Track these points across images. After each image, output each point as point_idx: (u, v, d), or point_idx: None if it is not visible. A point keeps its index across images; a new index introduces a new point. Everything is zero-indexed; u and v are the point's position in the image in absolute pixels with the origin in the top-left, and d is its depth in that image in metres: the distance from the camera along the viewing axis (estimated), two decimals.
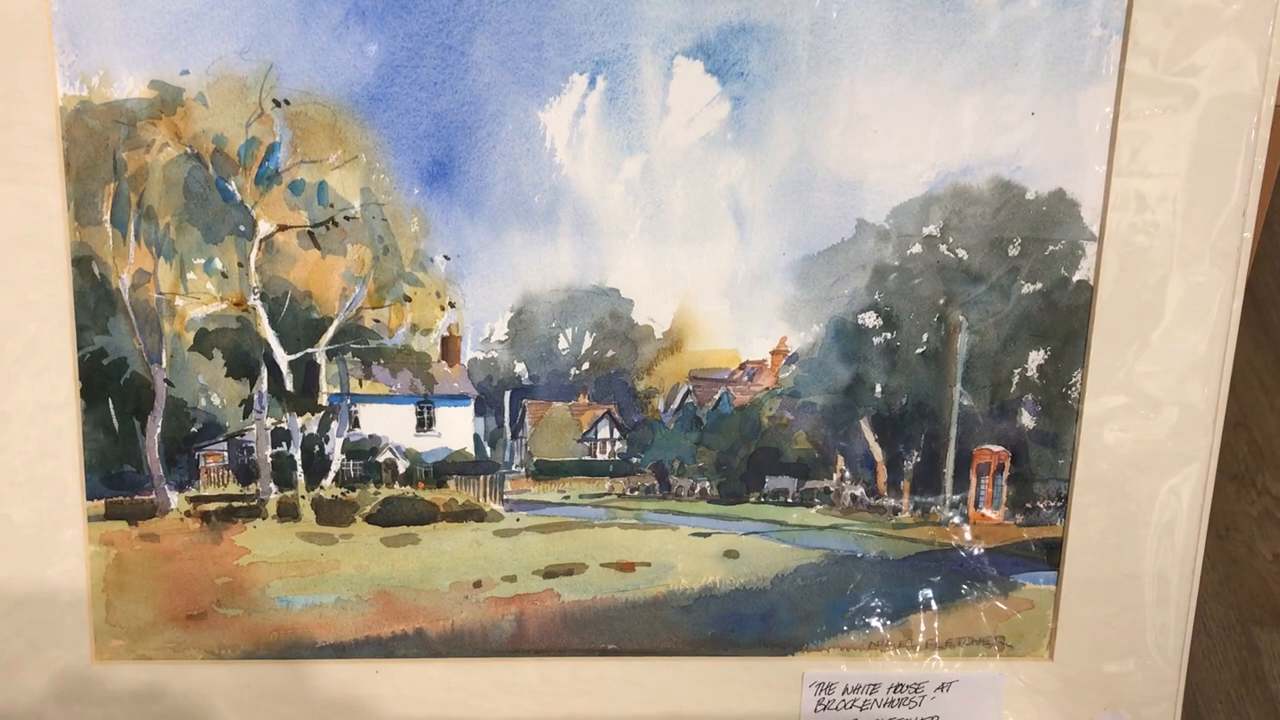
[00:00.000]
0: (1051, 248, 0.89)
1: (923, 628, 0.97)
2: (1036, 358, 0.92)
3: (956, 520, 0.96)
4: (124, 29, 0.81)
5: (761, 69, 0.84)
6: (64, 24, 0.80)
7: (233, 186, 0.85)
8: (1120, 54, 0.84)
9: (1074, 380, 0.92)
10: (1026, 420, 0.93)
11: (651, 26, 0.83)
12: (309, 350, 0.89)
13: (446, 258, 0.87)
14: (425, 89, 0.83)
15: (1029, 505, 0.95)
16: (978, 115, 0.86)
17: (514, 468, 0.93)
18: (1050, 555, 0.95)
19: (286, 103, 0.83)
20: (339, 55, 0.82)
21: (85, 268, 0.85)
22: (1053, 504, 0.95)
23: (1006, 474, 0.94)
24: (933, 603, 0.97)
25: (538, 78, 0.84)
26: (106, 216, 0.84)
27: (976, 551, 0.96)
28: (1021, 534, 0.96)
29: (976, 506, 0.95)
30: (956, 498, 0.95)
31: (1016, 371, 0.92)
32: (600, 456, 0.94)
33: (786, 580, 0.95)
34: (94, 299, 0.86)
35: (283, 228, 0.86)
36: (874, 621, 0.97)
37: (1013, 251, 0.89)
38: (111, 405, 0.88)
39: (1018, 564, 0.96)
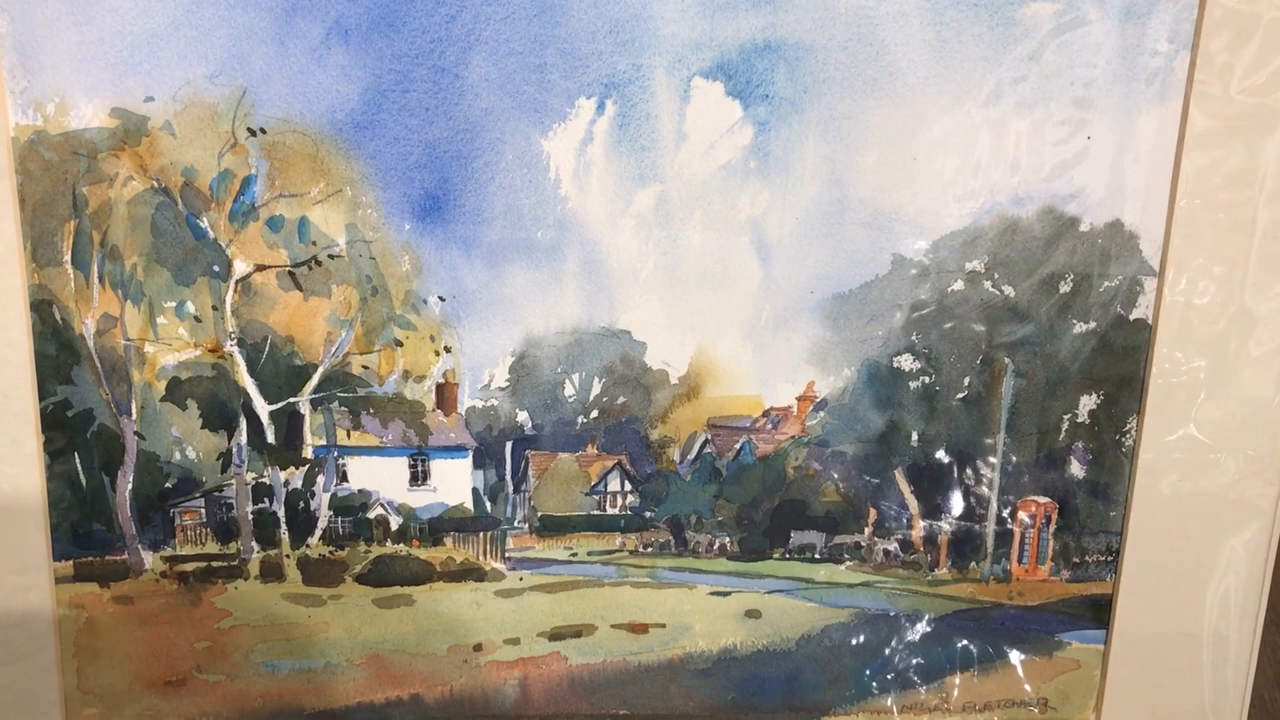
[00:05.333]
0: (1107, 283, 0.81)
1: (960, 690, 0.90)
2: (1088, 402, 0.84)
3: (998, 576, 0.88)
4: (81, 52, 0.73)
5: (789, 91, 0.76)
6: (14, 46, 0.73)
7: (205, 223, 0.78)
8: (1188, 72, 0.76)
9: (1129, 427, 0.84)
10: (1076, 469, 0.86)
11: (666, 45, 0.75)
12: (292, 400, 0.82)
13: (441, 299, 0.80)
14: (416, 115, 0.76)
15: (1077, 560, 0.88)
16: (1028, 140, 0.78)
17: (516, 523, 0.87)
18: (1098, 613, 0.89)
19: (262, 131, 0.76)
20: (320, 79, 0.75)
21: (45, 312, 0.78)
22: (1102, 558, 0.88)
23: (1053, 527, 0.87)
24: (971, 663, 0.90)
25: (540, 102, 0.76)
26: (67, 257, 0.77)
27: (1019, 609, 0.89)
28: (1068, 590, 0.89)
29: (1020, 561, 0.88)
30: (998, 552, 0.88)
31: (1066, 417, 0.85)
32: (610, 511, 0.87)
33: (813, 641, 0.89)
34: (56, 346, 0.79)
35: (261, 268, 0.79)
36: (907, 684, 0.90)
37: (1064, 288, 0.82)
38: (78, 460, 0.81)
39: (1063, 622, 0.89)
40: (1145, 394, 0.83)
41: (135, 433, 0.81)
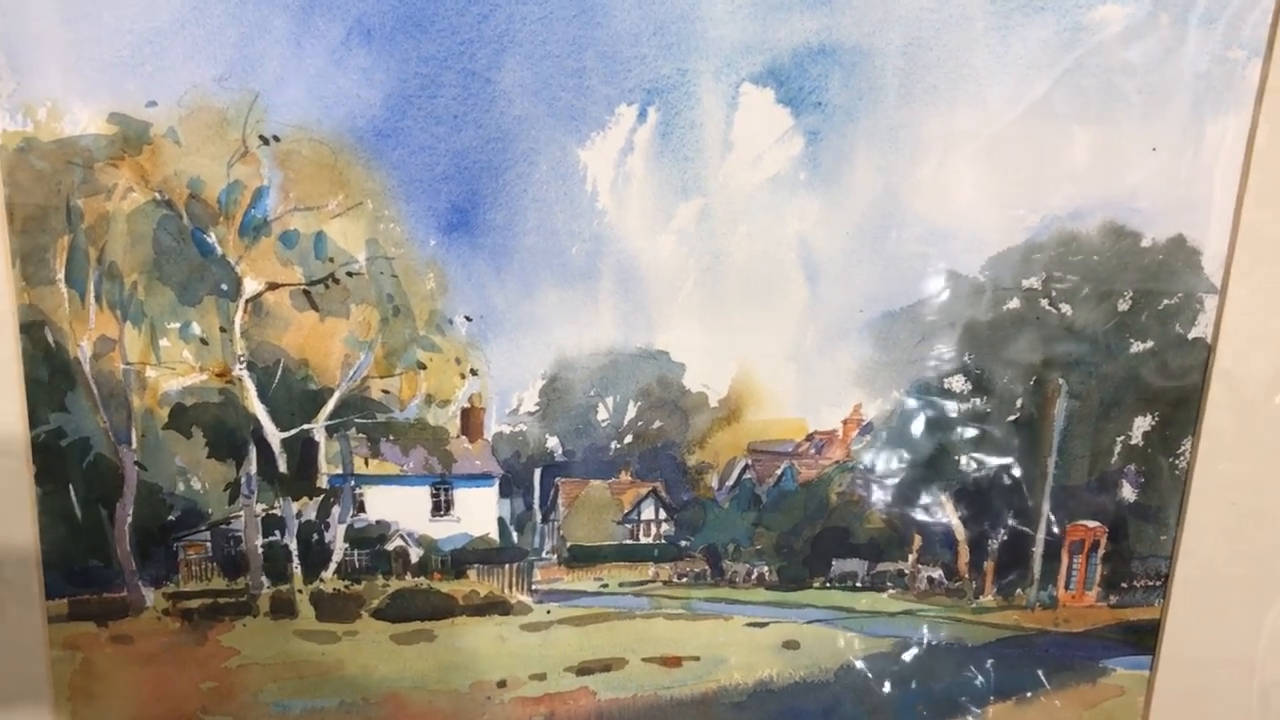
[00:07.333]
0: (1166, 301, 0.78)
1: (1002, 718, 0.87)
2: (1143, 424, 0.81)
3: (1044, 602, 0.85)
4: (75, 51, 0.67)
5: (843, 98, 0.72)
6: (1, 45, 0.66)
7: (212, 238, 0.72)
8: (1260, 79, 0.72)
9: (1183, 449, 0.81)
10: (1127, 493, 0.82)
11: (714, 48, 0.70)
12: (306, 426, 0.77)
13: (468, 318, 0.75)
14: (443, 123, 0.71)
15: (1125, 585, 0.84)
16: (1092, 150, 0.74)
17: (544, 554, 0.82)
18: (1143, 638, 0.86)
19: (276, 139, 0.71)
20: (339, 83, 0.69)
21: (37, 334, 0.73)
22: (1151, 583, 0.84)
23: (1102, 551, 0.84)
24: (1013, 690, 0.87)
25: (578, 109, 0.71)
26: (60, 275, 0.72)
27: (1064, 635, 0.86)
28: (1115, 616, 0.85)
29: (1067, 587, 0.85)
30: (1045, 578, 0.84)
31: (1119, 439, 0.81)
32: (644, 540, 0.83)
33: (853, 672, 0.85)
34: (48, 371, 0.73)
35: (273, 286, 0.74)
36: (948, 713, 0.86)
37: (1122, 306, 0.78)
38: (73, 492, 0.76)
39: (1108, 648, 0.86)
40: (1201, 415, 0.80)
41: (135, 463, 0.76)
